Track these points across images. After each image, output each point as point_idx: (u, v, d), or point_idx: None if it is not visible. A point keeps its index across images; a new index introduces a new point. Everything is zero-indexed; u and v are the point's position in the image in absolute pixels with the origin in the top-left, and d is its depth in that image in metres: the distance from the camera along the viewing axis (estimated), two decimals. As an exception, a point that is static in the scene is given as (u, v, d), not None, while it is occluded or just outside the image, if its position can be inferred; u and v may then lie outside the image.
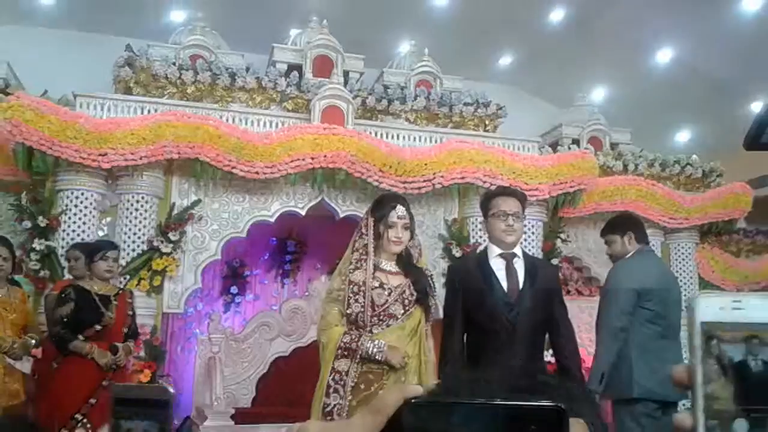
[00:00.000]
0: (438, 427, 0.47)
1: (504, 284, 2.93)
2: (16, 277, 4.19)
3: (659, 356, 3.26)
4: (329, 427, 0.48)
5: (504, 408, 0.48)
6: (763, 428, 0.51)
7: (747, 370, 0.52)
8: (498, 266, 2.97)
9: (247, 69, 5.58)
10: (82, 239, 4.57)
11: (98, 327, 3.74)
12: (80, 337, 3.68)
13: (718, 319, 0.52)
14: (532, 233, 5.51)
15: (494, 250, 3.00)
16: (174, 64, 5.42)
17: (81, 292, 3.74)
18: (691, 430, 0.51)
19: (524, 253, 3.08)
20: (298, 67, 5.78)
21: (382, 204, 2.85)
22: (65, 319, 3.65)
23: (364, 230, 2.82)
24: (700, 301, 0.53)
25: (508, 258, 2.98)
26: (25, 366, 3.70)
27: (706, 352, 0.52)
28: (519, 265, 2.98)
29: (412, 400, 0.48)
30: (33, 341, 3.70)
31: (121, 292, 3.99)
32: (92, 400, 3.67)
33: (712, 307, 0.53)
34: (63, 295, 3.70)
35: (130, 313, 4.04)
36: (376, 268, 2.77)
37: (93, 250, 3.92)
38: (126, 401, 0.74)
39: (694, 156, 6.59)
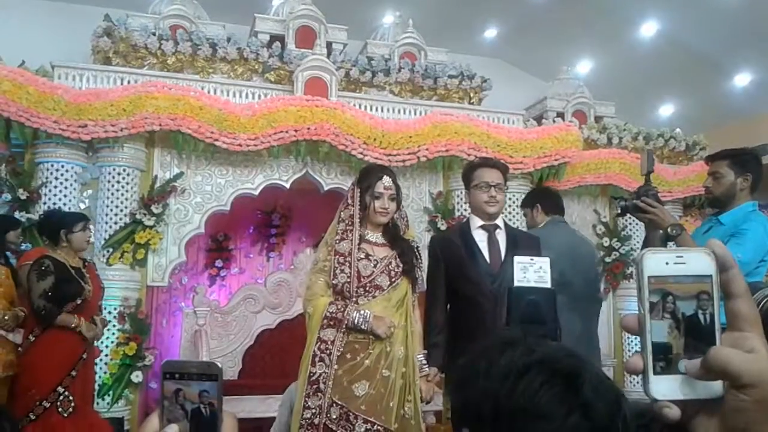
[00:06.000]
0: None
1: (486, 255, 2.96)
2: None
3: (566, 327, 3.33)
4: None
5: None
6: None
7: (697, 323, 0.57)
8: (480, 237, 2.99)
9: (229, 39, 5.49)
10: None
11: (79, 300, 3.72)
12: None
13: (663, 273, 0.57)
14: (517, 206, 5.54)
15: (476, 222, 3.02)
16: (154, 34, 5.31)
17: (58, 265, 3.69)
18: (642, 371, 0.58)
19: (506, 225, 3.11)
20: (281, 38, 5.69)
21: (369, 174, 2.84)
22: (49, 293, 3.61)
23: (350, 201, 2.82)
24: (647, 257, 0.58)
25: (490, 229, 3.00)
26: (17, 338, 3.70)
27: (661, 306, 0.57)
28: (501, 237, 3.01)
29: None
30: (22, 313, 3.69)
31: (87, 264, 3.96)
32: (73, 373, 3.67)
33: (658, 262, 0.58)
34: (42, 268, 3.65)
35: (102, 285, 4.03)
36: (362, 239, 2.77)
37: (69, 221, 3.86)
38: (177, 375, 0.76)
39: (678, 129, 6.62)
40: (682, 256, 0.57)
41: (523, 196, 4.25)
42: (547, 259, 2.20)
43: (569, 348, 0.70)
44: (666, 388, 0.57)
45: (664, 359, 0.57)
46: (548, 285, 2.15)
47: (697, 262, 0.57)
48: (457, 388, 0.71)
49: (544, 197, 3.86)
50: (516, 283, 2.14)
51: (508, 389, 0.64)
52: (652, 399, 0.57)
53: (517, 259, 2.19)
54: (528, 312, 2.09)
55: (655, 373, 0.57)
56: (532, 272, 2.15)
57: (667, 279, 0.57)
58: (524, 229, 5.08)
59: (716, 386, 0.56)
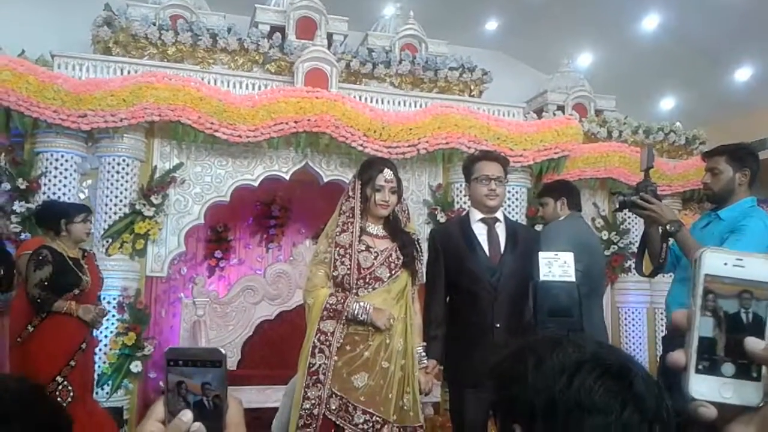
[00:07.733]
0: None
1: (486, 248, 2.97)
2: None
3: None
4: None
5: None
6: (747, 373, 0.55)
7: (739, 322, 0.56)
8: (480, 231, 3.00)
9: (229, 30, 5.47)
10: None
11: (77, 291, 3.72)
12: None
13: (720, 273, 0.57)
14: (517, 199, 5.55)
15: (476, 215, 3.03)
16: (154, 24, 5.29)
17: (56, 255, 3.69)
18: (684, 368, 0.57)
19: (506, 218, 3.12)
20: (281, 29, 5.67)
21: (370, 167, 2.85)
22: (45, 283, 3.62)
23: (351, 193, 2.83)
24: (707, 255, 0.57)
25: (490, 222, 3.01)
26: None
27: (703, 304, 0.56)
28: (501, 230, 3.02)
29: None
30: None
31: (86, 254, 3.96)
32: (72, 362, 3.68)
33: (716, 262, 0.57)
34: (40, 257, 3.65)
35: (102, 276, 4.03)
36: (363, 231, 2.78)
37: (71, 211, 3.85)
38: (180, 362, 0.76)
39: (678, 123, 6.61)
40: (742, 260, 0.56)
41: (544, 186, 4.22)
42: (571, 254, 2.22)
43: (610, 344, 0.71)
44: (705, 388, 0.56)
45: (708, 359, 0.56)
46: (572, 279, 2.18)
47: (757, 268, 0.56)
48: (504, 384, 0.73)
49: (571, 192, 3.88)
50: (541, 278, 2.17)
51: (563, 385, 0.66)
52: (689, 397, 0.57)
53: (541, 254, 2.21)
54: (555, 306, 2.13)
55: (697, 371, 0.56)
56: (556, 267, 2.18)
57: (723, 279, 0.56)
58: (524, 221, 5.13)
59: (758, 393, 0.55)
